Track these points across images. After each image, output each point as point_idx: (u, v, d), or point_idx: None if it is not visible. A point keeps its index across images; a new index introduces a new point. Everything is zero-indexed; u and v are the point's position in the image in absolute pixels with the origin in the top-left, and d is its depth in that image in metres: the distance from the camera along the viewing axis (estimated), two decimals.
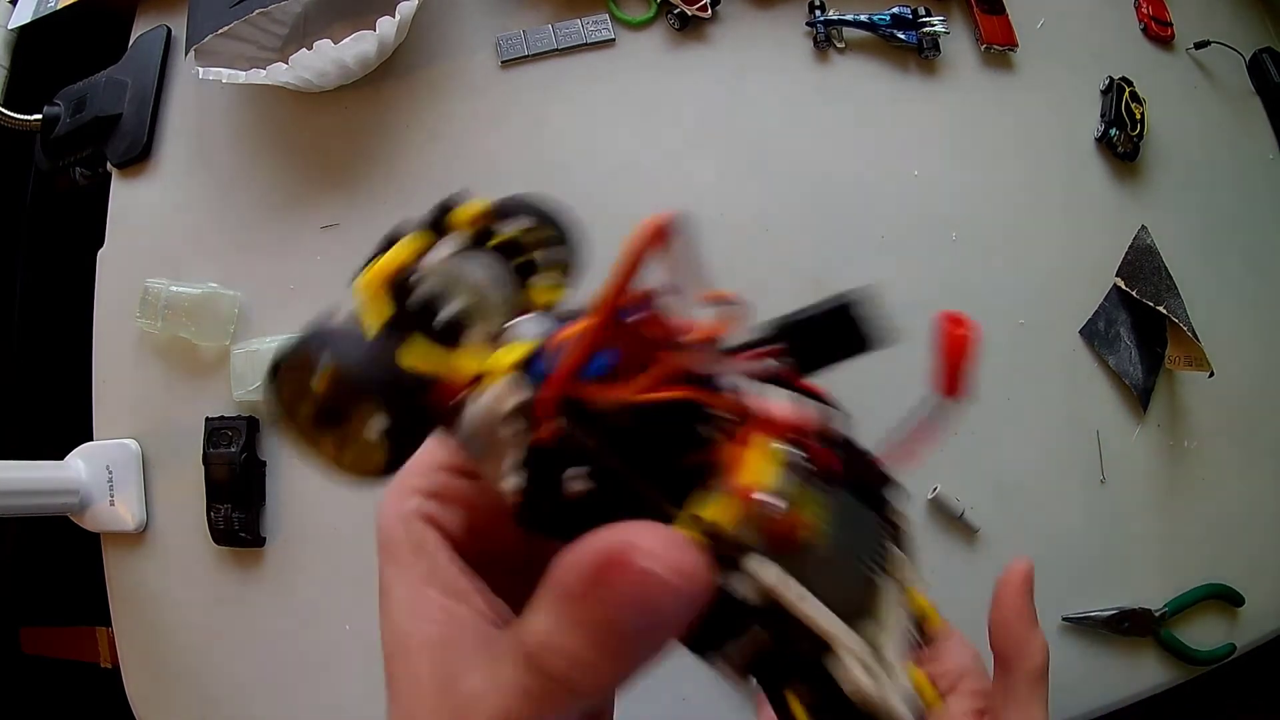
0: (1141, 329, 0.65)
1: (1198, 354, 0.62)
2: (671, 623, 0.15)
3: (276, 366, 0.20)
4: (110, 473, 0.62)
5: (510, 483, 0.18)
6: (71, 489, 0.61)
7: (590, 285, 0.19)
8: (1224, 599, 0.62)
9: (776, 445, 0.18)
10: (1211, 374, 0.62)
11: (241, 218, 0.66)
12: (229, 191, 0.66)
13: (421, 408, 0.19)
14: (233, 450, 0.60)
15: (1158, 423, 0.64)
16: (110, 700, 0.63)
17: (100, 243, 0.67)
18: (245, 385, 0.61)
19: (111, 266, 0.66)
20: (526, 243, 0.23)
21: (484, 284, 0.21)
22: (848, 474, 0.19)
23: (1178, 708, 0.63)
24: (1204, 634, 0.61)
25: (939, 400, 0.18)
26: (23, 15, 0.73)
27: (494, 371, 0.18)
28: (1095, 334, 0.64)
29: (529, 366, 0.18)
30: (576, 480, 0.16)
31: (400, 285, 0.20)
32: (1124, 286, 0.65)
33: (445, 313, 0.20)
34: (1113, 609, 0.59)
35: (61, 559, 0.77)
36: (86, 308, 0.66)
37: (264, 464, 0.62)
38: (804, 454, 0.18)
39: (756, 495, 0.16)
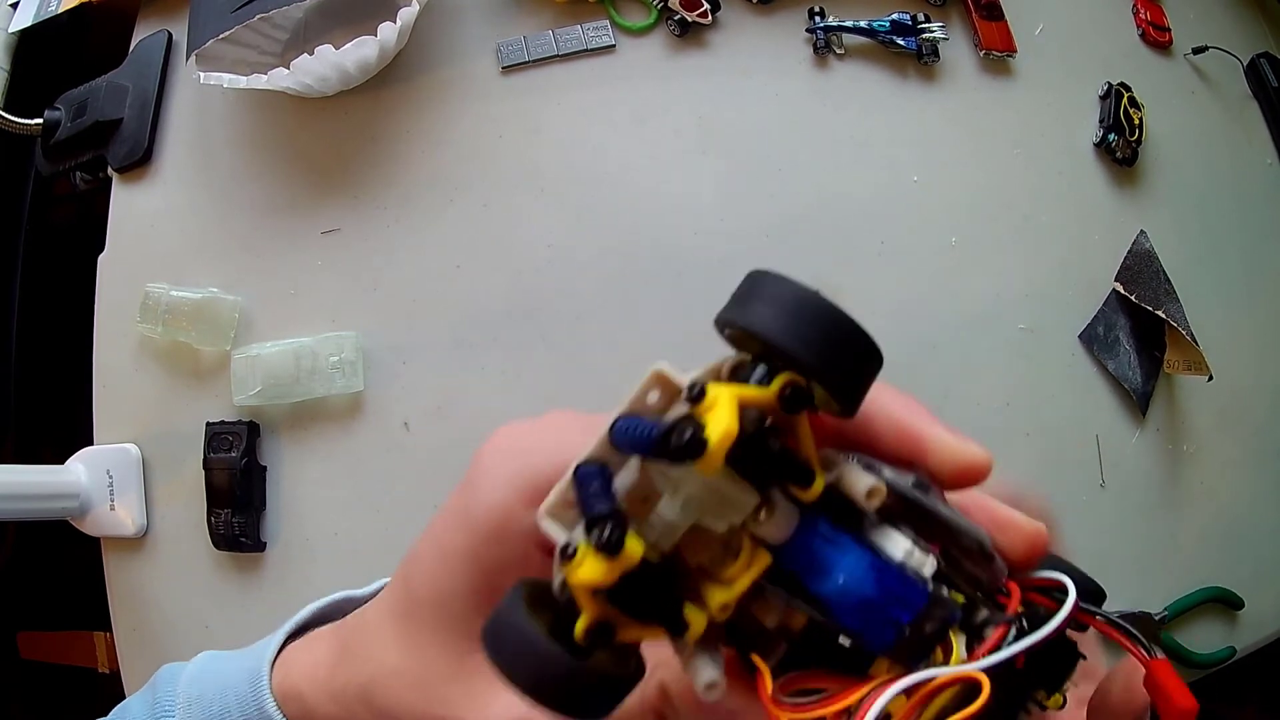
0: (1140, 334, 0.65)
1: (1196, 358, 0.62)
2: None
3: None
4: (111, 477, 0.62)
5: None
6: (72, 493, 0.61)
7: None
8: (1223, 602, 0.62)
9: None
10: (1210, 378, 0.62)
11: (242, 222, 0.66)
12: (230, 196, 0.66)
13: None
14: (233, 455, 0.60)
15: (1157, 427, 0.65)
16: (108, 705, 0.62)
17: (101, 247, 0.67)
18: (246, 390, 0.61)
19: (112, 271, 0.66)
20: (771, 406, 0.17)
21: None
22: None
23: None
24: (1204, 637, 0.62)
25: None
26: (24, 19, 0.72)
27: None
28: (1094, 339, 0.65)
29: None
30: None
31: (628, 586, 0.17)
32: (1123, 291, 0.65)
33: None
34: (1112, 613, 0.59)
35: (58, 564, 0.77)
36: (87, 312, 0.66)
37: (264, 469, 0.62)
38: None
39: None
